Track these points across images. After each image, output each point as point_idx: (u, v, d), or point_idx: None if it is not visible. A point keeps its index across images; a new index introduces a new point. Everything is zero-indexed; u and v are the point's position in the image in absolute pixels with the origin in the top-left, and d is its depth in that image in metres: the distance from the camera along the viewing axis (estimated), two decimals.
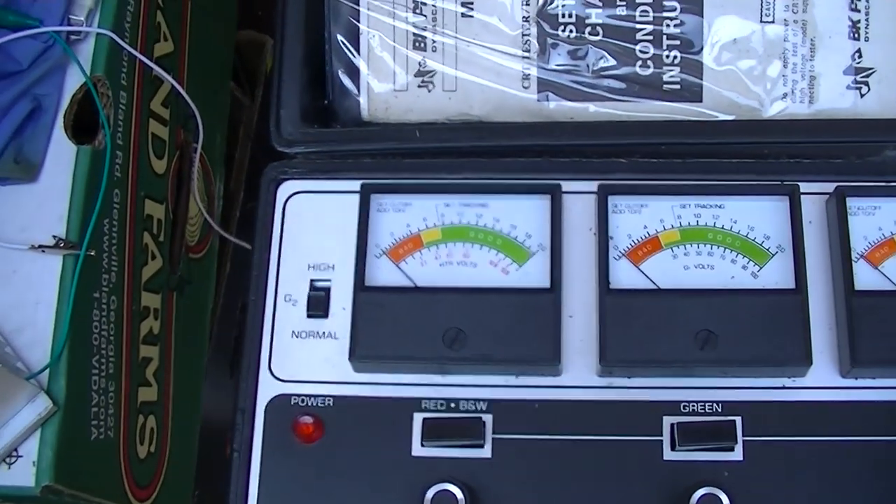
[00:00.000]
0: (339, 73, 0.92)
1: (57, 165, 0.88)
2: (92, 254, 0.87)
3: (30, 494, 0.81)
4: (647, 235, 0.84)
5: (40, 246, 0.85)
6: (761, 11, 0.88)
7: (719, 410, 0.81)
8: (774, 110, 0.89)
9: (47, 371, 0.83)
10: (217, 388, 1.19)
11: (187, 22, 1.08)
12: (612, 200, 0.84)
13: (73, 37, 0.91)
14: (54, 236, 0.86)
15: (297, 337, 0.85)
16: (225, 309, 1.20)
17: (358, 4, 0.91)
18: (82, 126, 0.90)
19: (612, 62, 0.89)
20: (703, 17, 0.89)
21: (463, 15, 0.91)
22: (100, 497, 0.88)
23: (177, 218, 1.06)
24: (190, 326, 1.10)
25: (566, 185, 0.85)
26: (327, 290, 0.86)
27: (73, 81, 0.91)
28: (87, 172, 0.88)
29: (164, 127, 1.02)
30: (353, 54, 0.91)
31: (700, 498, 0.77)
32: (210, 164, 1.14)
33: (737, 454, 0.79)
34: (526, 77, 0.90)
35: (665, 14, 0.89)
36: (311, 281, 0.86)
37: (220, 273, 1.19)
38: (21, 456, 0.82)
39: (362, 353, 0.82)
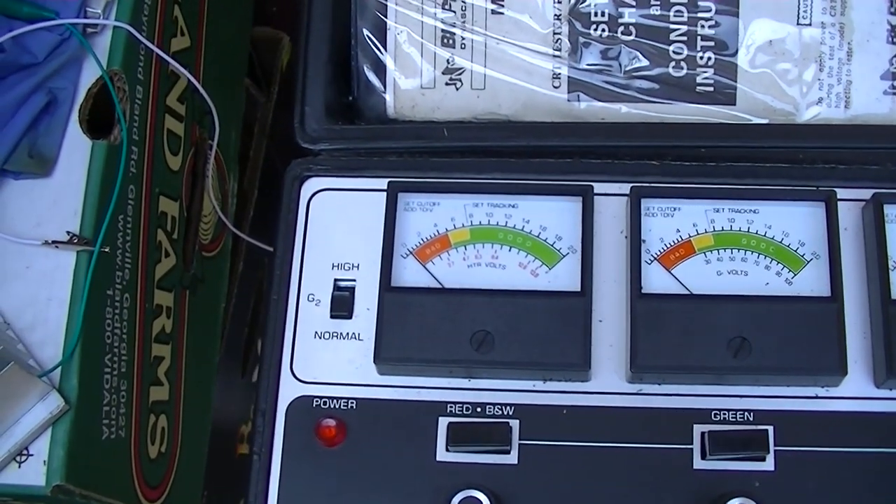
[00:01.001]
0: (365, 69, 0.91)
1: (72, 160, 0.87)
2: (106, 250, 0.86)
3: (40, 494, 0.80)
4: (679, 240, 0.82)
5: (54, 242, 0.84)
6: (798, 13, 0.87)
7: (751, 419, 0.79)
8: (809, 115, 0.87)
9: (59, 369, 0.82)
10: (227, 388, 1.19)
11: (204, 17, 1.07)
12: (645, 203, 0.82)
13: (89, 30, 0.90)
14: (68, 232, 0.85)
15: (319, 337, 0.83)
16: (237, 309, 1.18)
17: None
18: (97, 121, 0.89)
19: (645, 63, 0.88)
20: (738, 18, 0.87)
21: (493, 12, 0.89)
22: (110, 497, 0.87)
23: (191, 216, 1.05)
24: (202, 325, 1.09)
25: (598, 187, 0.84)
26: (352, 290, 0.84)
27: (89, 75, 0.90)
28: (101, 168, 0.87)
29: (179, 123, 1.01)
30: (379, 50, 0.90)
31: None
32: (224, 162, 1.13)
33: (768, 464, 0.78)
34: (556, 76, 0.89)
35: (700, 15, 0.87)
36: (335, 280, 0.84)
37: (232, 272, 1.18)
38: (32, 455, 0.81)
39: (387, 354, 0.80)
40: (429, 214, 0.84)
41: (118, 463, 0.90)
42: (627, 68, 0.88)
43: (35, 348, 0.83)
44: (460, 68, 0.89)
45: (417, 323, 0.80)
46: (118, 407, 0.89)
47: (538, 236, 0.83)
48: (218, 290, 1.14)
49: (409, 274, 0.82)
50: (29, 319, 0.84)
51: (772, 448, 0.78)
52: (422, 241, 0.83)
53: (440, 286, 0.82)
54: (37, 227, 0.86)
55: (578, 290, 0.80)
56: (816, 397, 0.79)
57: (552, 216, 0.83)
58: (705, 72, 0.87)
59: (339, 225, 0.86)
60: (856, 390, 0.79)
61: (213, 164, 1.07)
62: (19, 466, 0.80)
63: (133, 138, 0.91)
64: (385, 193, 0.84)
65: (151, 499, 0.96)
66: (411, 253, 0.83)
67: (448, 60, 0.89)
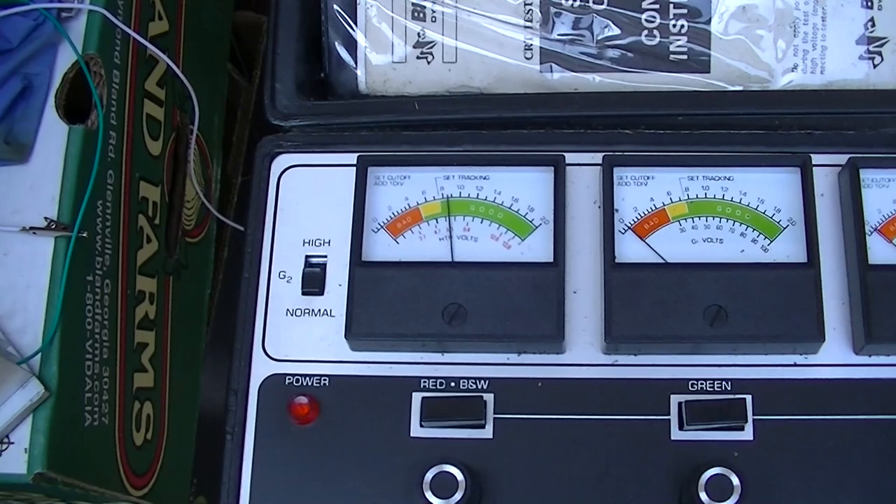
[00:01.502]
0: (336, 44, 0.89)
1: (48, 146, 0.86)
2: (84, 235, 0.85)
3: (22, 482, 0.79)
4: (653, 208, 0.81)
5: (31, 228, 0.83)
6: None
7: (729, 389, 0.78)
8: (784, 81, 0.86)
9: (39, 356, 0.82)
10: (216, 373, 1.17)
11: (183, 1, 1.05)
12: (618, 172, 0.81)
13: (64, 14, 0.89)
14: (46, 218, 0.84)
15: (291, 315, 0.82)
16: (224, 294, 1.17)
17: None
18: (74, 106, 0.88)
19: (617, 31, 0.86)
20: None
21: None
22: (95, 485, 0.86)
23: (173, 201, 1.04)
24: (187, 311, 1.07)
25: (570, 157, 0.82)
26: (323, 266, 0.83)
27: (65, 60, 0.89)
28: (79, 153, 0.86)
29: (159, 108, 1.00)
30: (350, 25, 0.88)
31: (709, 479, 0.74)
32: (207, 147, 1.12)
33: (747, 434, 0.77)
34: (528, 47, 0.87)
35: None
36: (307, 257, 0.83)
37: (218, 257, 1.17)
38: (13, 443, 0.80)
39: (359, 330, 0.79)
40: (399, 188, 0.82)
41: (102, 450, 0.89)
42: (600, 38, 0.86)
43: (14, 335, 0.82)
44: (431, 42, 0.88)
45: (389, 297, 0.79)
46: (101, 394, 0.88)
47: (510, 208, 0.81)
48: (203, 276, 1.13)
49: (381, 248, 0.81)
50: (8, 306, 0.83)
51: (750, 417, 0.77)
52: (393, 215, 0.82)
53: (411, 260, 0.80)
54: (14, 214, 0.85)
55: (552, 261, 0.79)
56: (795, 365, 0.78)
57: (524, 187, 0.82)
58: (678, 40, 0.86)
59: (309, 201, 0.84)
60: (834, 357, 0.78)
61: (195, 148, 1.05)
62: (0, 455, 0.79)
63: (111, 123, 0.90)
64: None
65: (138, 486, 0.95)
66: (382, 227, 0.82)
67: (419, 34, 0.88)
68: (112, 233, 0.90)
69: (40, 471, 0.79)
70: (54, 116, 0.87)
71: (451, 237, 0.81)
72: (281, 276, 0.83)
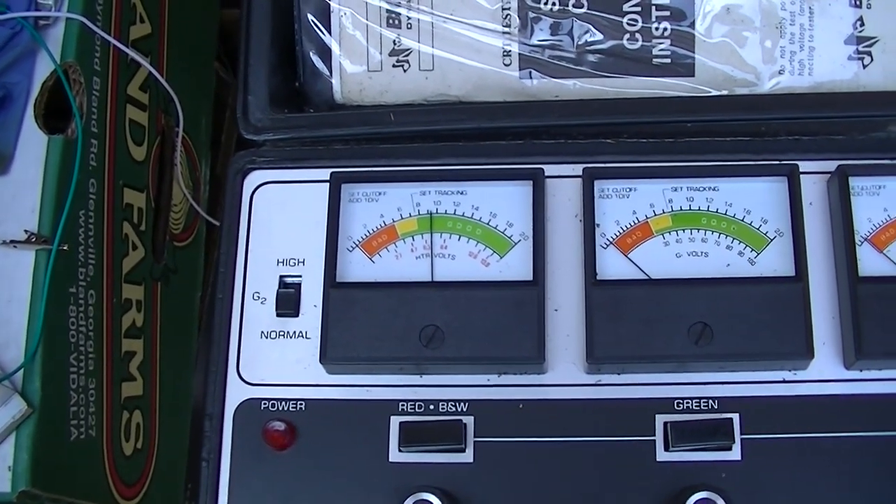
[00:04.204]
0: (311, 53, 0.86)
1: (28, 156, 0.84)
2: (65, 248, 0.83)
3: (6, 500, 0.78)
4: (636, 221, 0.77)
5: (12, 241, 0.81)
6: None
7: (715, 407, 0.75)
8: (771, 84, 0.82)
9: (21, 371, 0.80)
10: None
11: (166, 2, 1.03)
12: (599, 185, 0.78)
13: (41, 22, 0.87)
14: (26, 231, 0.82)
15: (266, 337, 0.79)
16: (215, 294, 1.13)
17: None
18: (56, 113, 0.86)
19: (598, 36, 0.83)
20: None
21: None
22: (81, 498, 0.85)
23: (159, 205, 1.02)
24: (177, 316, 1.06)
25: (549, 169, 0.79)
26: (298, 287, 0.79)
27: (44, 68, 0.87)
28: (59, 163, 0.84)
29: (142, 112, 0.98)
30: (324, 33, 0.85)
31: (696, 502, 0.71)
32: (195, 148, 1.10)
33: (735, 454, 0.74)
34: (507, 54, 0.83)
35: None
36: (281, 277, 0.80)
37: (208, 259, 1.15)
38: None
39: (335, 353, 0.75)
40: (374, 205, 0.79)
41: (89, 463, 0.87)
42: (580, 42, 0.83)
43: None
44: (407, 49, 0.84)
45: (364, 320, 0.75)
46: (87, 406, 0.86)
47: (488, 223, 0.78)
48: (193, 280, 1.11)
49: (356, 268, 0.78)
50: None
51: (738, 437, 0.74)
52: (368, 233, 0.78)
53: (387, 280, 0.77)
54: None
55: (531, 279, 0.76)
56: (784, 381, 0.75)
57: (502, 202, 0.78)
58: (661, 43, 0.83)
59: (283, 219, 0.81)
60: (824, 373, 0.75)
61: (181, 152, 1.02)
62: None
63: (92, 131, 0.88)
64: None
65: (128, 496, 0.94)
66: (357, 246, 0.78)
67: (394, 41, 0.84)
68: (95, 242, 0.88)
69: (24, 489, 0.77)
70: (33, 126, 0.84)
71: (432, 255, 0.78)
72: (255, 297, 0.80)
